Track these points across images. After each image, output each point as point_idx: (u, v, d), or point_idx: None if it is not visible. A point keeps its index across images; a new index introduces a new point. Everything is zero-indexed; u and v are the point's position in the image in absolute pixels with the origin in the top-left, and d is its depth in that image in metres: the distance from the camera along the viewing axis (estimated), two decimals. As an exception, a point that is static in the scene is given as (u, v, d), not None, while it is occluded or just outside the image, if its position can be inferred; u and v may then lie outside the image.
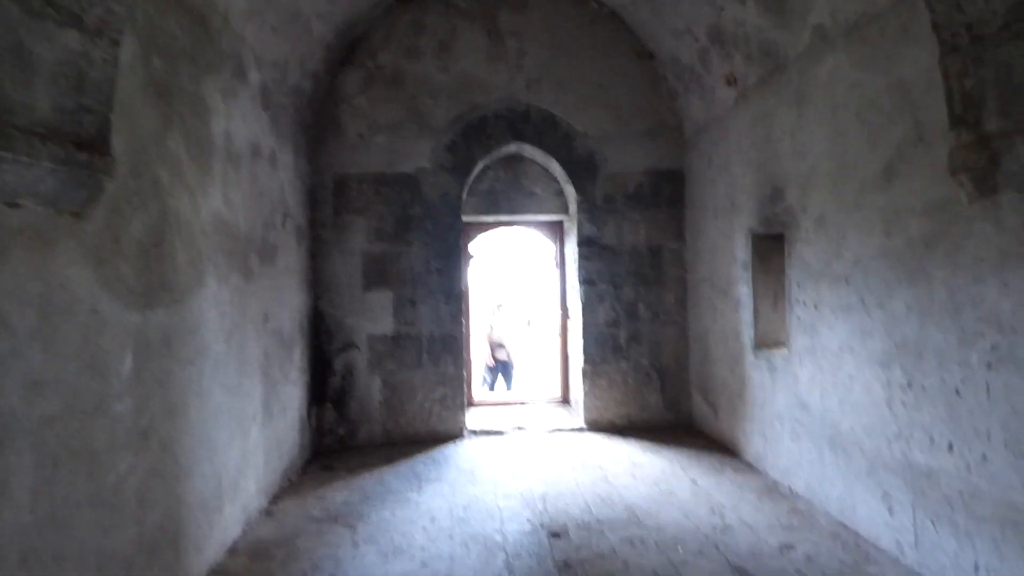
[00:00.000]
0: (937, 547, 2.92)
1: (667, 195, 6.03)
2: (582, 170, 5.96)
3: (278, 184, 4.62)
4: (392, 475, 4.81)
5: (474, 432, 5.92)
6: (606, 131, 5.96)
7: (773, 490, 4.23)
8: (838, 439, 3.69)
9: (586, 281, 5.99)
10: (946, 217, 2.84)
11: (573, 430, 5.95)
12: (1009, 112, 2.37)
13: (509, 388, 7.84)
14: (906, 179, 3.08)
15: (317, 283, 5.66)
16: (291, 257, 4.94)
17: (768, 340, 4.74)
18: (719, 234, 5.28)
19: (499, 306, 7.99)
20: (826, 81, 3.72)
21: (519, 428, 5.99)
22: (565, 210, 6.38)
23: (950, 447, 2.83)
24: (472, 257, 6.47)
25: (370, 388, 5.75)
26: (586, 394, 5.99)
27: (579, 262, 6.00)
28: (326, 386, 5.68)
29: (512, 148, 6.06)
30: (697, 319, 5.85)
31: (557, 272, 6.77)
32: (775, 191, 4.34)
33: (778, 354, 4.46)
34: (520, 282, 10.43)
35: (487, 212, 6.31)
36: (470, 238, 6.46)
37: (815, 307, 3.90)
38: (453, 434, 5.80)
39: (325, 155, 5.71)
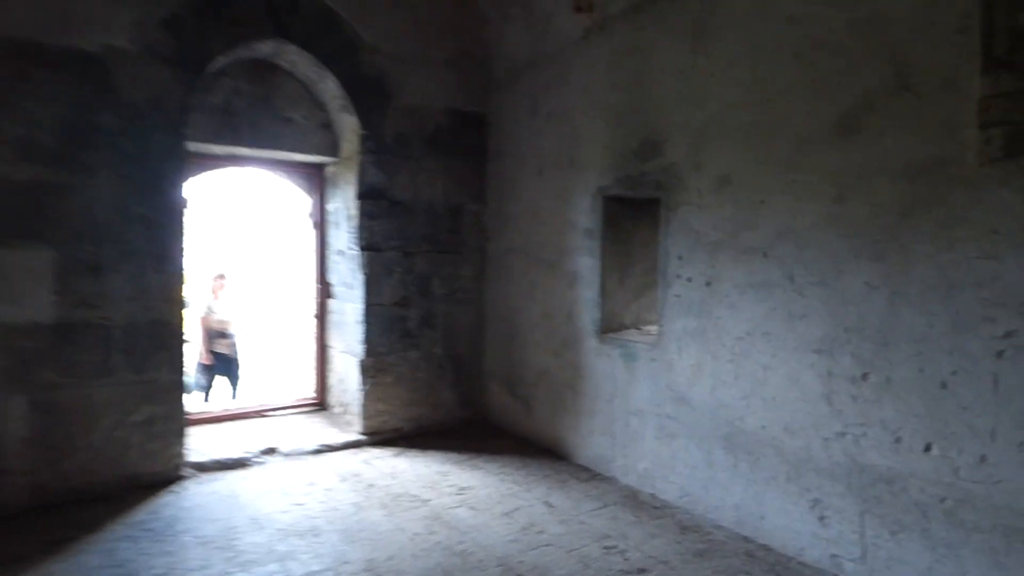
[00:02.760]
0: (897, 560, 2.54)
1: (469, 144, 4.90)
2: (369, 96, 4.42)
3: None
4: (75, 576, 2.70)
5: (201, 467, 3.94)
6: (403, 49, 4.52)
7: (638, 501, 3.56)
8: (738, 439, 3.17)
9: (371, 247, 4.50)
10: (938, 181, 2.41)
11: (349, 446, 4.44)
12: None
13: (235, 394, 5.75)
14: (875, 135, 2.60)
15: None
16: None
17: (614, 323, 4.06)
18: (546, 195, 4.40)
19: (220, 278, 5.76)
20: (746, 12, 3.09)
21: (269, 451, 4.21)
22: (334, 150, 4.72)
23: (927, 447, 2.45)
24: (187, 205, 4.32)
25: (3, 417, 3.30)
26: (366, 395, 4.54)
27: (360, 221, 4.47)
28: (-99, 421, 3.04)
29: (268, 48, 4.16)
30: (500, 297, 4.91)
31: (315, 234, 5.05)
32: (646, 145, 3.63)
33: (639, 339, 3.81)
34: (251, 245, 7.91)
35: (218, 139, 4.26)
36: (187, 177, 4.29)
37: (707, 284, 3.30)
38: (168, 474, 3.74)
39: (-101, -19, 2.99)
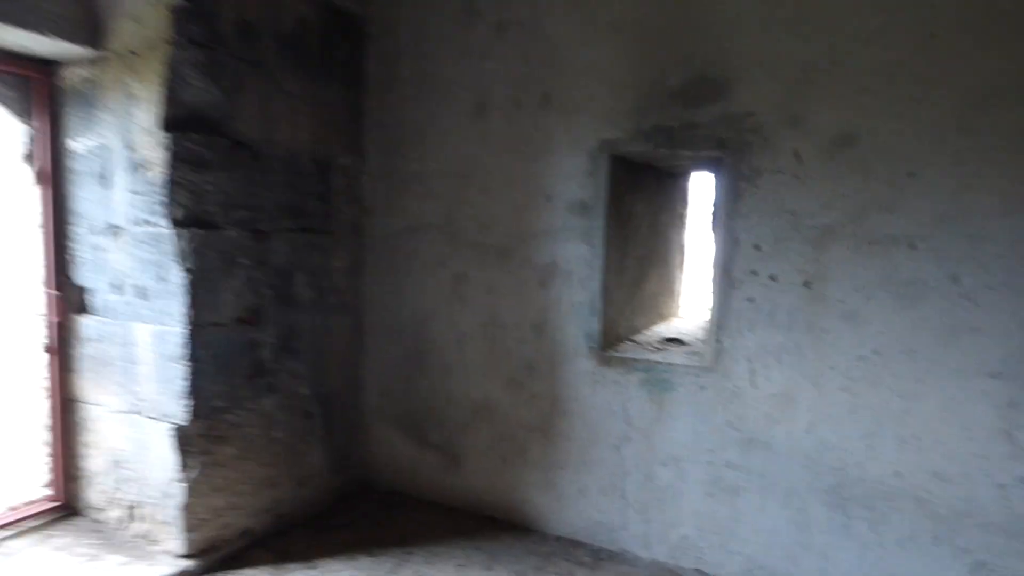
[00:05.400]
0: (1113, 632, 2.06)
1: (343, 61, 3.09)
2: (192, -66, 2.33)
3: None
4: None
5: None
6: None
7: (699, 588, 2.55)
8: (852, 491, 2.37)
9: (198, 221, 2.45)
10: None
11: (172, 588, 2.42)
12: None
13: None
14: (1097, 93, 1.99)
15: None
16: None
17: (614, 336, 2.91)
18: (495, 149, 2.94)
19: None
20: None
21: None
22: (90, 34, 2.46)
23: None
24: None
25: None
26: (194, 487, 2.52)
27: (174, 172, 2.37)
28: None
29: None
30: (395, 299, 3.27)
31: (43, 195, 2.66)
32: (699, 83, 2.52)
33: (672, 359, 2.73)
34: None
35: None
36: None
37: (805, 285, 2.40)
38: None
39: None
